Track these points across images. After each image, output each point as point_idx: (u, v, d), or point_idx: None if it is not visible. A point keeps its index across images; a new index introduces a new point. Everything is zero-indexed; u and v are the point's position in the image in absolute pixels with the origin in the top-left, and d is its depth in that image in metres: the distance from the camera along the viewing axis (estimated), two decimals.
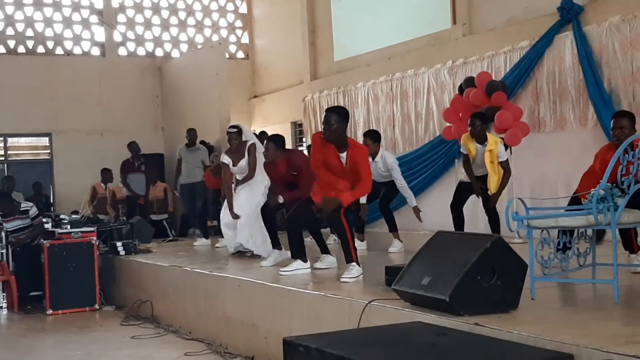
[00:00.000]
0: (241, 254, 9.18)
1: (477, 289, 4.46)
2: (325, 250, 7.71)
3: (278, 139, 8.12)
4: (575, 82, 9.63)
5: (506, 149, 9.76)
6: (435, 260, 4.87)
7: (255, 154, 9.04)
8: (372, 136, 9.28)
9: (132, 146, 14.19)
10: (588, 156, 9.16)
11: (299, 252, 7.19)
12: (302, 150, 8.56)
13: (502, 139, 9.15)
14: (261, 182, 8.97)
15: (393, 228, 9.31)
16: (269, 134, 9.60)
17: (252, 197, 8.97)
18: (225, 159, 9.15)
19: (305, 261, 7.18)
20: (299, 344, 4.08)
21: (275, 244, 8.16)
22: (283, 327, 6.03)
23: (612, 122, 6.27)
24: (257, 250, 8.84)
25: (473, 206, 8.98)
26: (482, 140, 8.65)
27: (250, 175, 9.03)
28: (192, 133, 13.23)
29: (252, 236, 8.87)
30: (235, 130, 9.15)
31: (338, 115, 6.52)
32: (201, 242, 11.23)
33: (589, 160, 9.09)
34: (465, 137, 8.77)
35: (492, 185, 8.63)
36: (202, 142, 13.66)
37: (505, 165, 8.69)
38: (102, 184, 14.33)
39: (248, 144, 9.05)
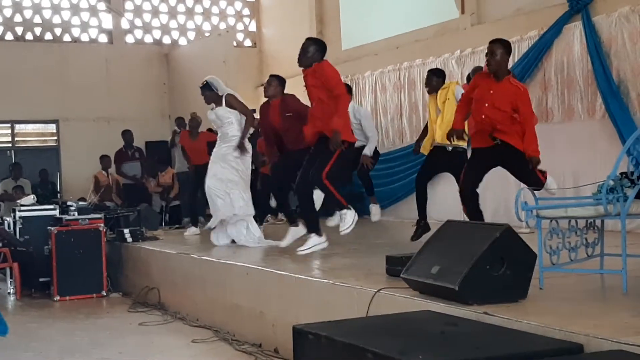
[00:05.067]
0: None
1: (486, 278, 4.47)
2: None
3: (282, 78, 8.20)
4: (584, 73, 9.58)
5: None
6: (444, 249, 4.87)
7: (238, 101, 8.64)
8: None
9: (126, 135, 14.22)
10: (596, 146, 9.23)
11: (313, 226, 6.92)
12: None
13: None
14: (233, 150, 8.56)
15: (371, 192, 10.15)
16: None
17: (222, 170, 8.60)
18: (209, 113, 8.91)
19: (320, 235, 6.91)
20: (308, 331, 4.10)
21: (291, 221, 7.95)
22: (291, 315, 6.03)
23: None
24: (240, 240, 8.65)
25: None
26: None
27: (250, 120, 8.57)
28: (180, 121, 13.44)
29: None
30: (201, 85, 8.81)
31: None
32: (191, 232, 10.85)
33: (597, 151, 9.16)
34: (429, 97, 8.47)
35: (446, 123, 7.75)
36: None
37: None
38: (104, 172, 14.36)
39: (224, 96, 8.69)
